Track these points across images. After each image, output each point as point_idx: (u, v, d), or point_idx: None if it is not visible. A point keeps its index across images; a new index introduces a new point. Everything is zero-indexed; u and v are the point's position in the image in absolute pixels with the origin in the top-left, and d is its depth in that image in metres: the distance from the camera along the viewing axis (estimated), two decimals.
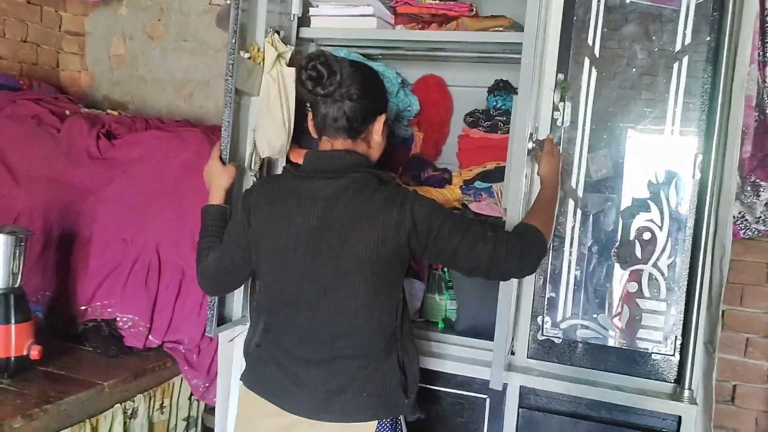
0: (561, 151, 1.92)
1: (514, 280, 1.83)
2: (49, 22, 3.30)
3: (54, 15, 3.32)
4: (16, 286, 1.97)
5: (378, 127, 1.61)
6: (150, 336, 2.29)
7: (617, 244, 1.92)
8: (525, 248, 1.58)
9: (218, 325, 1.98)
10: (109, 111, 2.97)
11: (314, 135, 1.65)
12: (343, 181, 1.52)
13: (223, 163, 1.88)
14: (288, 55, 2.11)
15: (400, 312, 1.59)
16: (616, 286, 1.93)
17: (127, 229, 2.36)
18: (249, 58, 2.02)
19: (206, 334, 1.99)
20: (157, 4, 3.28)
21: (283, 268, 1.56)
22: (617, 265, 1.92)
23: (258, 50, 2.07)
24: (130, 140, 2.53)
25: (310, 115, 1.63)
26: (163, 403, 2.26)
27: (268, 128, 2.04)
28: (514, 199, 1.79)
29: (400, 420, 1.61)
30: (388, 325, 1.56)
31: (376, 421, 1.53)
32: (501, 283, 1.77)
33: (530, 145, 1.83)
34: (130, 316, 2.28)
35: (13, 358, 1.93)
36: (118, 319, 2.28)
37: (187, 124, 2.80)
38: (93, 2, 3.26)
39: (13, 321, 1.92)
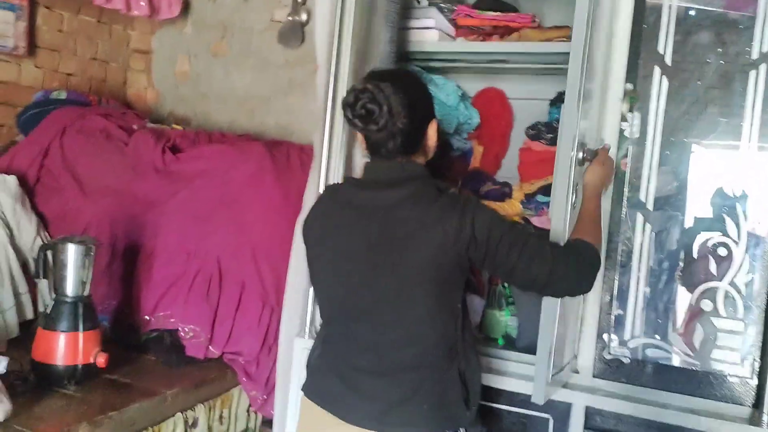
0: (615, 161, 1.85)
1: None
2: (118, 41, 3.42)
3: (122, 33, 3.44)
4: (85, 294, 2.02)
5: (431, 134, 1.57)
6: (210, 347, 2.31)
7: (687, 261, 1.83)
8: (583, 268, 1.54)
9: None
10: (173, 126, 3.04)
11: (366, 155, 1.61)
12: (403, 191, 1.50)
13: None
14: None
15: (461, 322, 1.55)
16: (688, 304, 1.84)
17: (190, 242, 2.40)
18: None
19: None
20: (220, 22, 3.36)
21: (343, 278, 1.55)
22: (690, 282, 1.83)
23: None
24: (194, 154, 2.59)
25: (360, 138, 1.59)
26: (222, 413, 2.27)
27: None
28: (558, 212, 1.68)
29: None
30: (449, 335, 1.53)
31: None
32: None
33: (580, 155, 1.77)
34: (192, 327, 2.31)
35: (80, 366, 1.98)
36: (180, 329, 2.31)
37: (249, 139, 2.85)
38: (159, 21, 3.36)
39: (81, 329, 1.97)
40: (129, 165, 2.54)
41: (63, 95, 2.93)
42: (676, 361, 1.86)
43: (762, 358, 1.77)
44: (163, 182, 2.50)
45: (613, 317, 1.92)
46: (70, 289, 1.99)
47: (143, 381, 2.11)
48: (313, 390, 1.63)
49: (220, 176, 2.47)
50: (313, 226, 1.62)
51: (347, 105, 1.49)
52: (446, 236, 1.45)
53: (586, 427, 1.88)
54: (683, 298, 1.85)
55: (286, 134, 3.14)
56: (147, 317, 2.36)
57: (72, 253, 1.98)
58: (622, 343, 1.91)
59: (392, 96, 1.48)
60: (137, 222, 2.46)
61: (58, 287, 2.00)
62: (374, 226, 1.50)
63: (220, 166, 2.50)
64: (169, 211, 2.46)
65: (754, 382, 1.79)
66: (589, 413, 1.88)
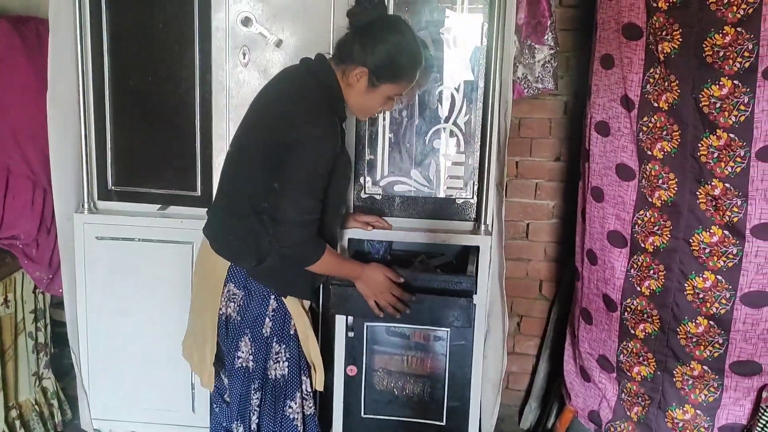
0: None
1: None
2: None
3: None
4: None
5: (355, 73, 1.75)
6: None
7: (422, 108, 2.17)
8: (296, 256, 1.78)
9: None
10: None
11: None
12: (295, 77, 1.81)
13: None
14: None
15: (272, 200, 1.74)
16: (424, 144, 2.20)
17: None
18: None
19: None
20: None
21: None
22: (424, 126, 2.19)
23: None
24: None
25: None
26: (7, 297, 2.28)
27: None
28: None
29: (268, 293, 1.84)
30: (253, 203, 1.77)
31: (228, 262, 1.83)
32: None
33: None
34: None
35: None
36: None
37: None
38: None
39: None
40: None
41: None
42: (417, 193, 2.24)
43: (479, 181, 2.21)
44: None
45: (366, 162, 2.23)
46: None
47: None
48: None
49: None
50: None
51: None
52: (279, 127, 1.72)
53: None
54: (421, 140, 2.20)
55: (31, 8, 2.91)
56: None
57: None
58: (375, 183, 2.25)
59: (379, 19, 1.77)
60: None
61: None
62: (263, 95, 1.85)
63: None
64: None
65: (475, 201, 2.23)
66: (349, 244, 2.23)
